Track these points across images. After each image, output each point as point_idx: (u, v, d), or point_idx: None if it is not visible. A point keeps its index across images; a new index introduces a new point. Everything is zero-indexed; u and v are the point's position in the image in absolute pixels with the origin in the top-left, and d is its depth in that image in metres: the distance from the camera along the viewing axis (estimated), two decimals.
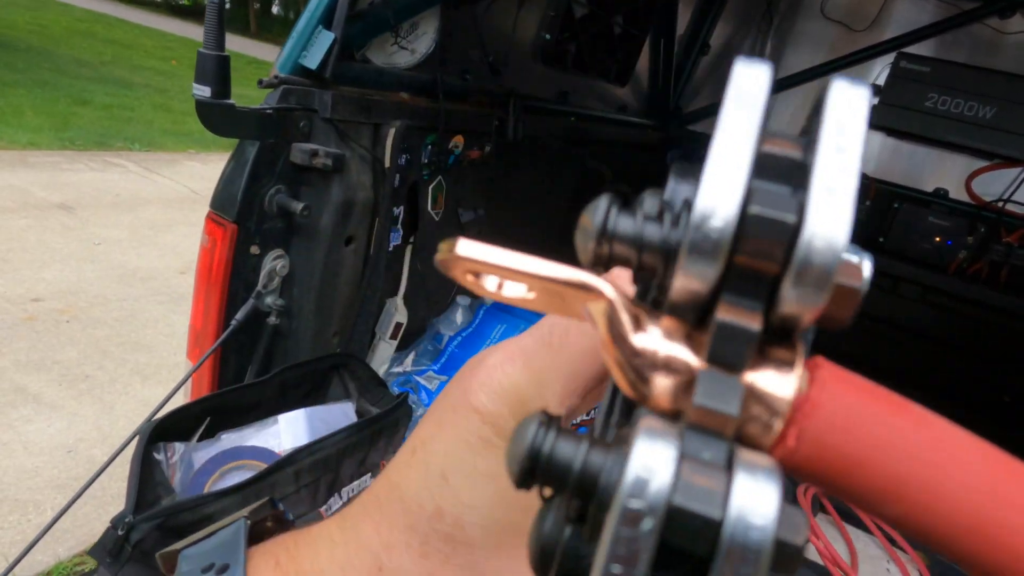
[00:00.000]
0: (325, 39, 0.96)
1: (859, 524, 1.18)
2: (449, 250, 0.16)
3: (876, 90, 2.29)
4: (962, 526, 0.14)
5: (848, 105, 0.15)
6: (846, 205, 0.14)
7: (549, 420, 0.15)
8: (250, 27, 19.21)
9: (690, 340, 0.16)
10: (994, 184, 2.25)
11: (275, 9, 22.50)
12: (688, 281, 0.15)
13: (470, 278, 0.17)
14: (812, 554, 1.08)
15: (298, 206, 0.99)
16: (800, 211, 0.14)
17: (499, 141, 1.44)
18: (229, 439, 0.87)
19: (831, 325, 0.16)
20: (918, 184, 2.38)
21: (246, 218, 0.97)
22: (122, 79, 8.04)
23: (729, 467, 0.13)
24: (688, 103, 2.70)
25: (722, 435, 0.14)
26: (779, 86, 2.51)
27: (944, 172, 2.35)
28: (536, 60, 1.62)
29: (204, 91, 0.88)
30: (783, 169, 0.15)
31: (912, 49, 2.27)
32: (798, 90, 2.48)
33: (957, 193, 2.31)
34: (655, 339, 0.16)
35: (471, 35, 1.32)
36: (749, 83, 0.16)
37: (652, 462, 0.13)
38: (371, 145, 1.10)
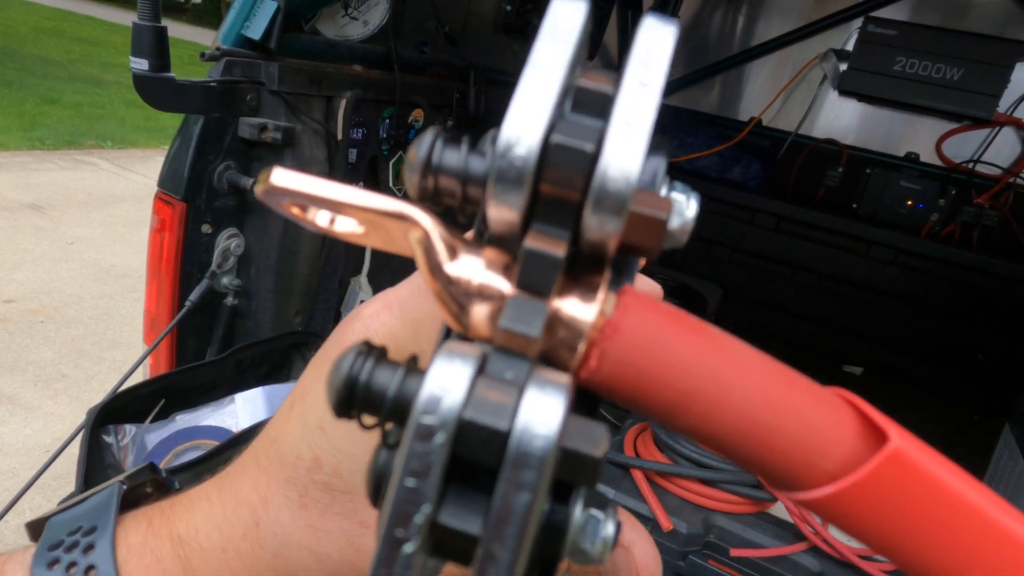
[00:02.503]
0: (268, 8, 0.93)
1: None
2: (265, 180, 0.16)
3: (845, 56, 2.28)
4: (742, 432, 0.16)
5: (654, 42, 0.16)
6: (641, 137, 0.14)
7: (368, 350, 0.15)
8: (222, 20, 18.91)
9: (509, 271, 0.16)
10: (965, 146, 2.26)
11: None
12: (498, 210, 0.15)
13: (296, 211, 0.17)
14: (782, 513, 1.08)
15: (249, 182, 0.96)
16: (600, 142, 0.14)
17: (461, 114, 1.42)
18: (184, 420, 0.85)
19: (643, 254, 0.16)
20: (890, 149, 2.38)
21: (195, 195, 0.94)
22: (92, 77, 7.91)
23: (525, 385, 0.14)
24: None
25: (525, 356, 0.15)
26: (752, 54, 2.50)
27: (915, 136, 2.35)
28: (498, 32, 1.60)
29: (142, 64, 0.85)
30: (594, 102, 0.16)
31: (880, 13, 2.26)
32: (772, 57, 2.47)
33: (929, 157, 2.31)
34: (470, 268, 0.16)
35: (427, 6, 1.30)
36: (564, 18, 0.16)
37: (446, 381, 0.14)
38: (323, 119, 1.07)
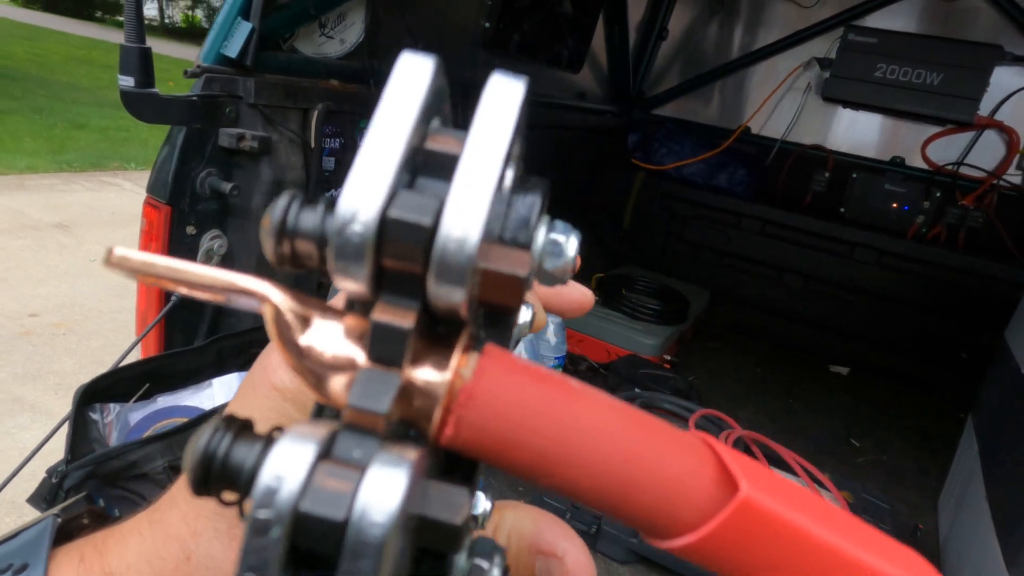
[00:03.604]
0: (244, 29, 1.03)
1: (786, 468, 1.23)
2: (107, 256, 0.16)
3: (828, 63, 2.34)
4: (603, 488, 0.16)
5: (500, 100, 0.16)
6: (480, 203, 0.14)
7: (228, 425, 0.15)
8: None
9: (367, 338, 0.16)
10: (949, 149, 2.29)
11: None
12: (343, 283, 0.15)
13: (150, 281, 0.17)
14: None
15: (228, 187, 1.06)
16: (439, 211, 0.14)
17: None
18: (164, 400, 0.93)
19: (505, 310, 0.17)
20: (876, 153, 2.42)
21: (179, 199, 1.04)
22: (118, 102, 8.16)
23: (369, 465, 0.14)
24: (653, 87, 2.76)
25: (375, 432, 0.14)
26: (736, 65, 2.57)
27: (900, 140, 2.39)
28: (478, 48, 1.68)
29: (128, 81, 0.95)
30: (440, 165, 0.16)
31: (861, 22, 2.32)
32: (760, 66, 2.54)
33: (914, 161, 2.35)
34: (325, 338, 0.16)
35: (402, 24, 1.39)
36: (408, 78, 0.16)
37: (284, 469, 0.13)
38: (299, 129, 1.17)
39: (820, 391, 2.10)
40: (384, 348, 0.15)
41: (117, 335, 3.12)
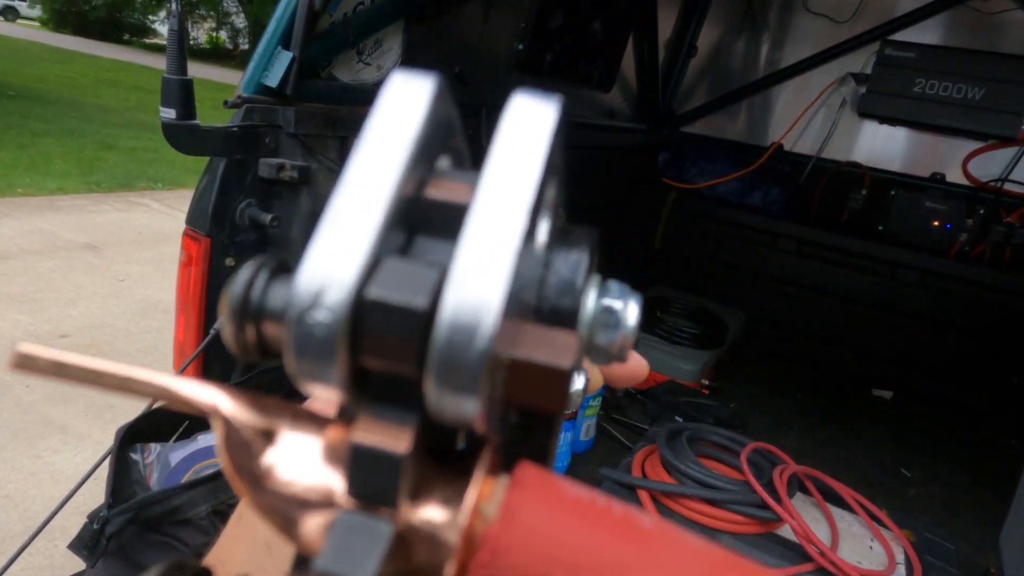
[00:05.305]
0: (284, 59, 1.02)
1: (841, 504, 1.18)
2: (12, 357, 0.13)
3: (864, 79, 2.29)
4: None
5: (524, 130, 0.12)
6: (497, 273, 0.10)
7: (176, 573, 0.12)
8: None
9: None
10: (991, 165, 2.23)
11: None
12: (308, 388, 0.11)
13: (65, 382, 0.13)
14: (788, 533, 1.08)
15: (267, 217, 1.04)
16: (437, 289, 0.10)
17: (475, 151, 1.49)
18: (205, 439, 0.91)
19: (543, 412, 0.12)
20: (914, 170, 2.36)
21: (219, 231, 1.02)
22: (146, 123, 8.35)
23: None
24: (682, 105, 2.73)
25: None
26: (768, 82, 2.53)
27: (940, 156, 2.33)
28: (511, 70, 1.67)
29: (170, 113, 0.94)
30: (444, 220, 0.11)
31: (897, 36, 2.27)
32: (791, 82, 2.50)
33: (954, 177, 2.29)
34: (294, 461, 0.12)
35: (437, 49, 1.37)
36: (396, 107, 0.12)
37: None
38: (338, 157, 1.15)
39: (863, 417, 2.03)
40: (370, 482, 0.11)
41: (146, 356, 3.14)
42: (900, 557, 1.08)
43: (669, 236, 2.55)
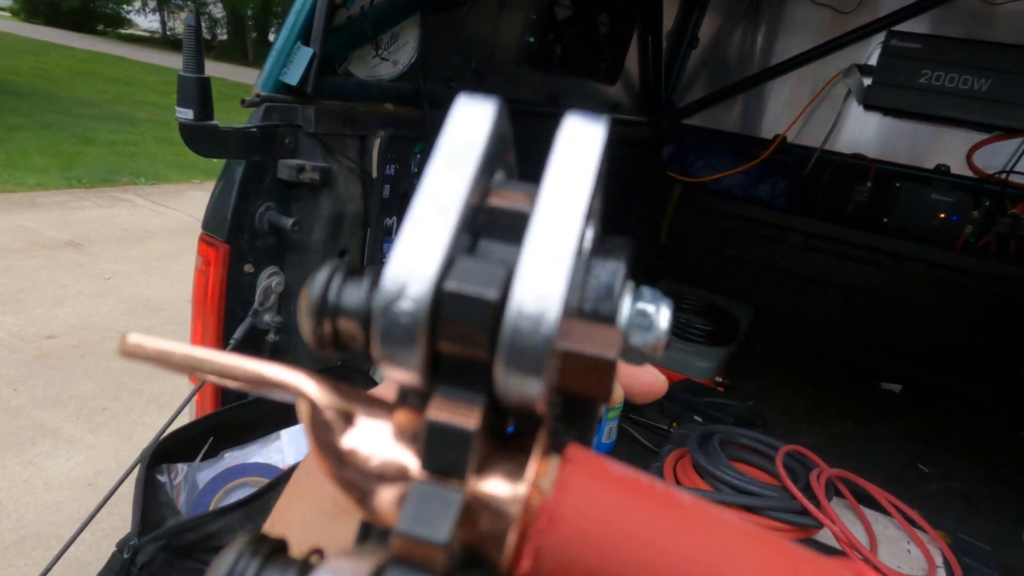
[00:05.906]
0: (304, 55, 0.97)
1: (877, 507, 1.16)
2: (121, 344, 0.14)
3: (869, 70, 2.28)
4: None
5: (577, 147, 0.13)
6: (560, 270, 0.12)
7: (255, 549, 0.13)
8: (248, 56, 19.44)
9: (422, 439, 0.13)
10: (996, 156, 2.23)
11: (272, 37, 22.75)
12: (390, 371, 0.12)
13: (167, 369, 0.14)
14: (828, 539, 1.06)
15: (288, 222, 0.99)
16: (508, 281, 0.12)
17: None
18: (232, 457, 0.87)
19: (591, 399, 0.14)
20: (919, 162, 2.35)
21: (238, 237, 0.97)
22: (125, 116, 8.17)
23: None
24: (682, 97, 2.70)
25: (431, 568, 0.11)
26: (771, 73, 2.50)
27: (944, 148, 2.32)
28: (521, 64, 1.63)
29: (187, 114, 0.89)
30: (507, 225, 0.13)
31: (903, 27, 2.25)
32: (794, 74, 2.47)
33: (959, 168, 2.29)
34: (372, 441, 0.13)
35: (453, 43, 1.33)
36: (464, 128, 0.13)
37: None
38: (358, 157, 1.10)
39: (875, 412, 2.02)
40: (442, 456, 0.12)
41: None
42: (939, 560, 1.06)
43: (675, 230, 2.53)
